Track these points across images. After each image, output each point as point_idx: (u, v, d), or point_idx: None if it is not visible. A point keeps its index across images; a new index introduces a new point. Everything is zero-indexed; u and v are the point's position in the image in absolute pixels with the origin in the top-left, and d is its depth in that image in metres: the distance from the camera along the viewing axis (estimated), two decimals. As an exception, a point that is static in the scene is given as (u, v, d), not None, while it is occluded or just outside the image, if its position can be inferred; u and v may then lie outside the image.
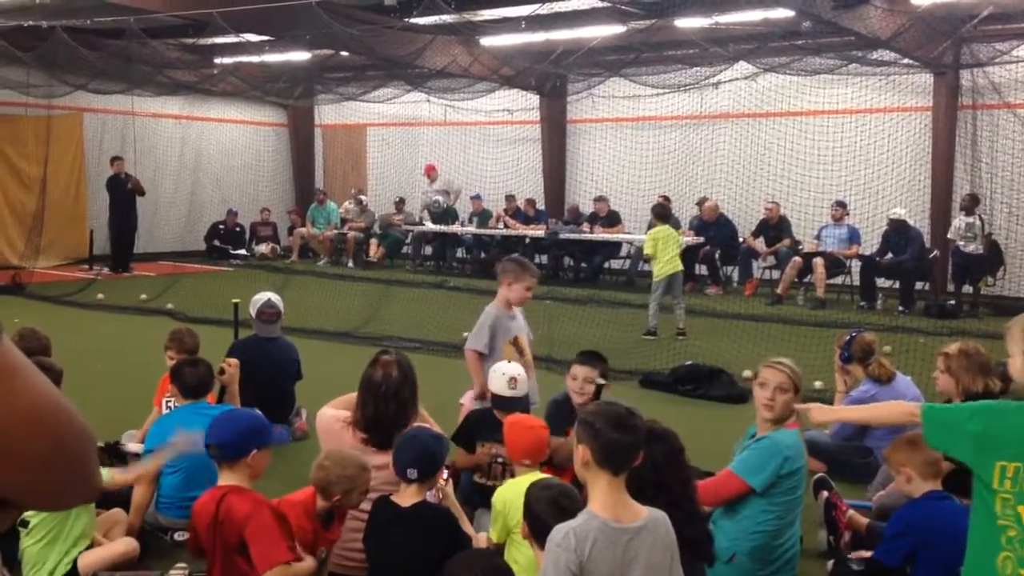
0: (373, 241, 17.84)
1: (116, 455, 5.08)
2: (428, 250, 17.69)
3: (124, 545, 4.04)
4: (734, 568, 3.85)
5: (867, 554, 4.06)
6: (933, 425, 3.12)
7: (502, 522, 3.54)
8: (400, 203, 18.16)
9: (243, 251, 18.60)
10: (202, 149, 19.54)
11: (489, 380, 4.60)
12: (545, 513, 2.97)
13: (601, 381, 4.83)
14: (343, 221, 18.43)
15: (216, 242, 18.65)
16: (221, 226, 18.82)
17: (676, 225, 14.55)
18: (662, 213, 10.80)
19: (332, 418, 4.21)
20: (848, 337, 5.81)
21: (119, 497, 4.43)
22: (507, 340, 5.36)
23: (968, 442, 2.97)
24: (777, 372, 3.96)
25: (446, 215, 17.43)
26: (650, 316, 10.34)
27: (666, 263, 10.18)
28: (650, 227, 11.14)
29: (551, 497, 3.02)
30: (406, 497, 3.53)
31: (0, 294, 12.64)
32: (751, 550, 3.87)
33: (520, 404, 4.43)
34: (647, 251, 10.41)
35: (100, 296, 12.52)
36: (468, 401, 5.45)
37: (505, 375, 4.50)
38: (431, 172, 17.69)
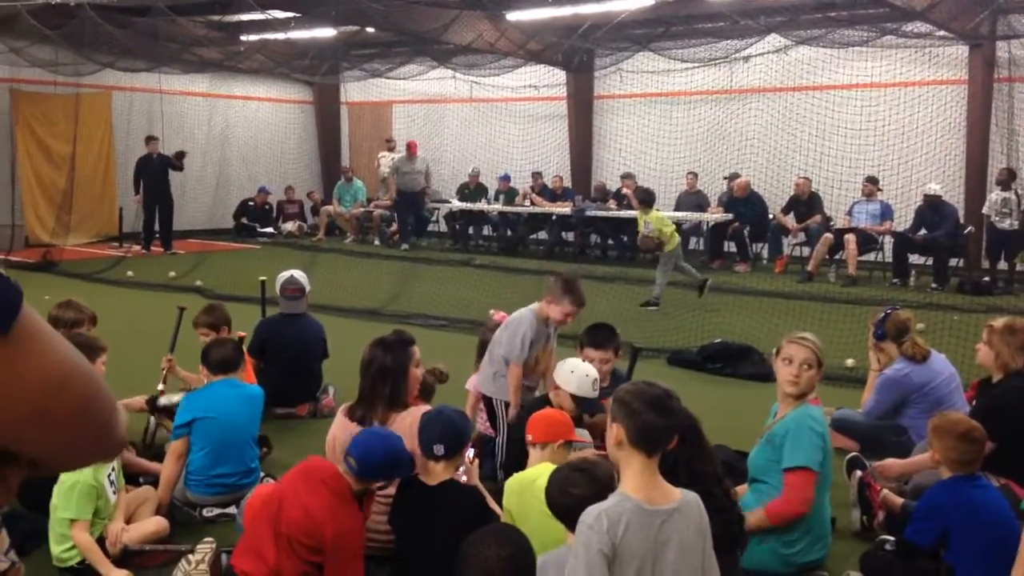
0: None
1: (153, 408, 5.13)
2: (455, 227, 17.64)
3: (155, 524, 4.06)
4: (763, 550, 3.84)
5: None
6: None
7: (507, 516, 3.53)
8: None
9: (270, 229, 18.65)
10: (229, 127, 19.58)
11: (564, 380, 4.29)
12: (554, 495, 2.96)
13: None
14: (378, 166, 18.40)
15: (244, 220, 18.71)
16: (251, 203, 18.88)
17: (703, 201, 14.49)
18: (647, 199, 11.03)
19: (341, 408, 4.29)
20: (883, 315, 5.70)
21: (148, 475, 4.45)
22: (541, 349, 5.08)
23: None
24: (803, 348, 3.96)
25: (475, 194, 17.40)
26: (658, 287, 10.71)
27: (672, 235, 10.73)
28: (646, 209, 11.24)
29: (560, 485, 2.99)
30: (433, 475, 3.50)
31: (31, 271, 12.76)
32: (780, 533, 3.85)
33: (598, 404, 4.24)
34: (669, 230, 10.70)
35: (130, 273, 12.60)
36: (473, 387, 5.38)
37: (589, 376, 4.24)
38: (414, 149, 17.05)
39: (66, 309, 5.21)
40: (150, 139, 15.96)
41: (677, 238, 10.86)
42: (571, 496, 2.90)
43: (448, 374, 5.27)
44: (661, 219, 10.86)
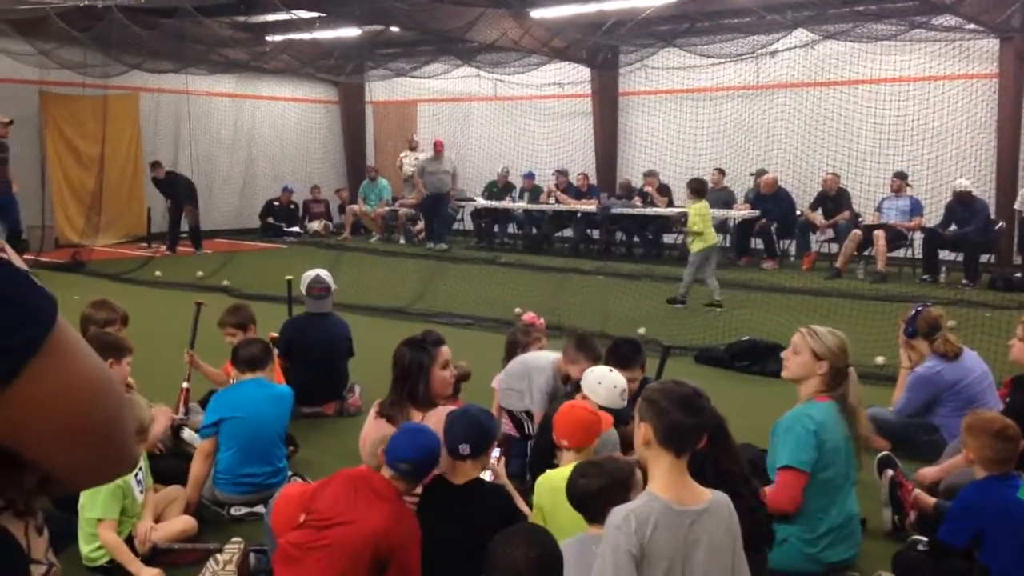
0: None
1: (175, 434, 5.15)
2: (481, 224, 17.61)
3: (183, 523, 4.08)
4: (787, 550, 3.80)
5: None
6: None
7: (536, 511, 3.52)
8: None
9: (296, 228, 18.74)
10: (255, 127, 19.69)
11: (591, 391, 4.19)
12: (568, 484, 3.04)
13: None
14: (400, 166, 18.38)
15: (270, 219, 18.81)
16: (276, 203, 18.98)
17: (729, 197, 14.42)
18: (700, 189, 10.82)
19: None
20: (914, 312, 5.63)
21: (177, 474, 4.46)
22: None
23: None
24: (795, 334, 4.06)
25: (502, 191, 17.38)
26: (683, 286, 10.54)
27: (709, 237, 10.52)
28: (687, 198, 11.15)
29: (574, 475, 3.05)
30: (459, 475, 3.48)
31: (61, 272, 12.89)
32: (800, 531, 3.84)
33: (627, 413, 4.08)
34: (697, 227, 10.48)
35: (158, 274, 12.70)
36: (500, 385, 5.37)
37: (616, 388, 4.16)
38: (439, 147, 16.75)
39: (99, 308, 5.26)
40: (154, 165, 16.04)
41: (712, 240, 10.57)
42: (581, 485, 3.00)
43: (470, 372, 5.25)
44: (698, 213, 10.48)
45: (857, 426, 3.93)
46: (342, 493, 3.30)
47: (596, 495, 2.97)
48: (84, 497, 3.83)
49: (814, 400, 3.96)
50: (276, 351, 5.64)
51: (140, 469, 3.99)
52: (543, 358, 5.05)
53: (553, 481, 3.46)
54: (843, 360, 3.97)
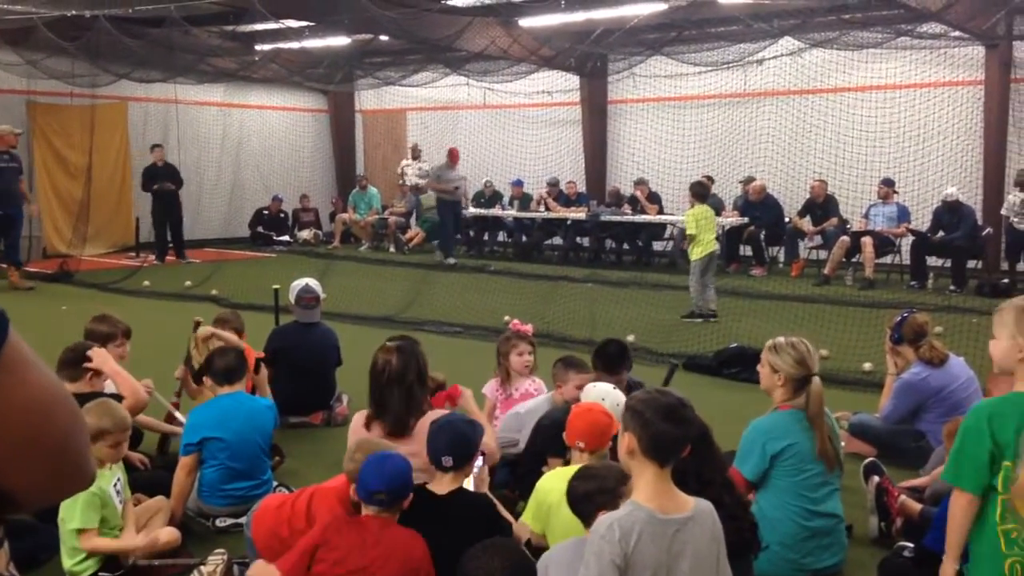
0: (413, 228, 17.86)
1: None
2: (470, 233, 17.61)
3: (167, 535, 4.02)
4: (770, 557, 3.79)
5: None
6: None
7: (535, 506, 3.51)
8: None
9: (286, 237, 18.73)
10: (244, 136, 19.66)
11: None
12: (567, 493, 3.06)
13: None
14: (401, 174, 18.28)
15: (260, 228, 18.79)
16: (265, 212, 18.95)
17: (718, 204, 14.43)
18: (701, 192, 10.47)
19: (357, 415, 4.29)
20: (899, 318, 5.64)
21: (161, 485, 4.44)
22: None
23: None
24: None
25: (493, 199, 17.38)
26: (695, 298, 10.18)
27: (707, 244, 10.13)
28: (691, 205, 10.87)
29: (572, 478, 3.07)
30: (442, 485, 3.47)
31: (49, 282, 12.84)
32: (781, 537, 3.83)
33: None
34: (690, 231, 10.25)
35: (146, 283, 12.65)
36: (491, 391, 5.36)
37: (620, 407, 3.98)
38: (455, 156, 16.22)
39: (100, 323, 5.25)
40: (155, 147, 15.95)
41: (710, 248, 10.15)
42: (573, 488, 3.03)
43: (445, 381, 5.23)
44: (691, 217, 10.15)
45: (818, 434, 3.89)
46: (357, 538, 3.25)
47: (584, 499, 2.98)
48: (63, 510, 3.78)
49: (777, 409, 3.99)
50: (263, 367, 5.63)
51: (118, 480, 3.94)
52: (535, 402, 4.97)
53: (563, 478, 3.45)
54: (801, 370, 3.93)
